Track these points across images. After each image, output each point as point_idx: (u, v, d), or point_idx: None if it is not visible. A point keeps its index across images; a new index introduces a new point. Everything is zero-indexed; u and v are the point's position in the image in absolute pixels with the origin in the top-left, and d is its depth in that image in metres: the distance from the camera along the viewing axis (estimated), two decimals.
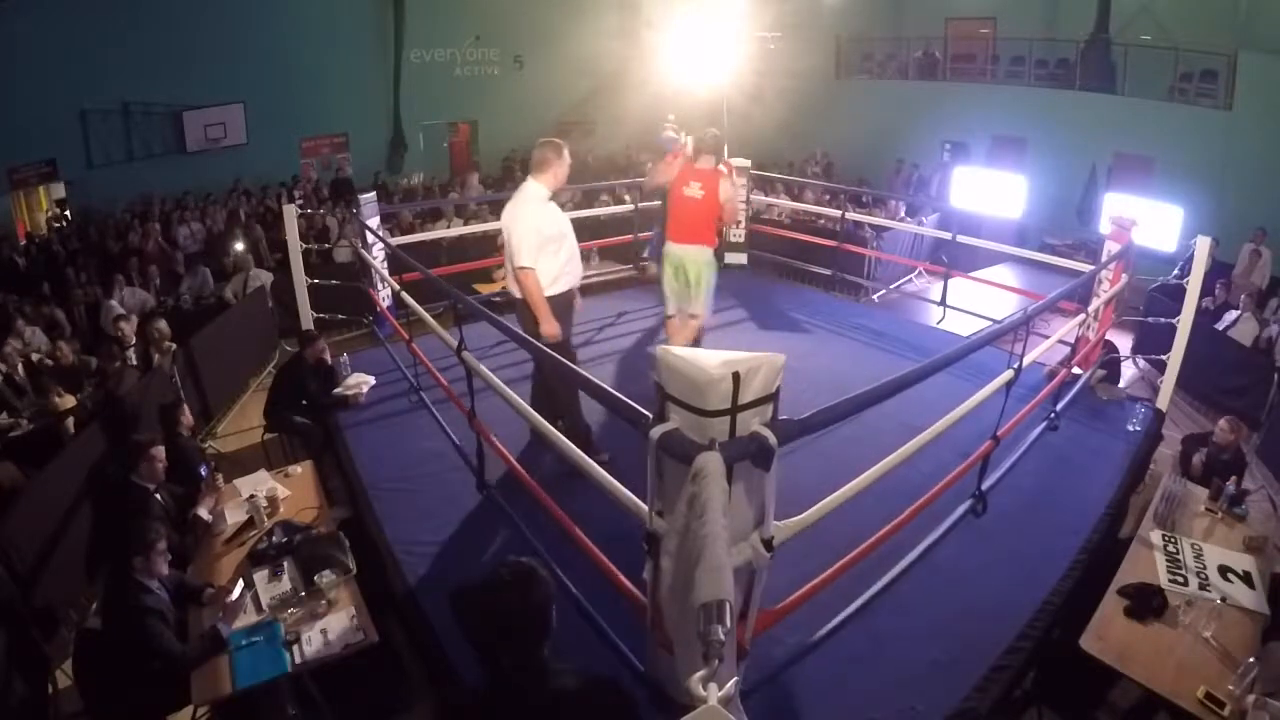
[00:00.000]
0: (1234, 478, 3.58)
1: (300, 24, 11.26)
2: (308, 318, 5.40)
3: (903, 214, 9.00)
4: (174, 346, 5.70)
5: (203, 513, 3.35)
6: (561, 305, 3.56)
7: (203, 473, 3.83)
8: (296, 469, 3.93)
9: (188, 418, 4.20)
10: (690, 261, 4.42)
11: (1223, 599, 2.79)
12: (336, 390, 4.58)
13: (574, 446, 2.52)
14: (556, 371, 3.11)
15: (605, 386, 2.15)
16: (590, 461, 2.39)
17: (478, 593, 1.47)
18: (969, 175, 10.44)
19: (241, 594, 2.90)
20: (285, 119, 11.47)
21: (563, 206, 8.83)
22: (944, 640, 2.67)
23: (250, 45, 10.81)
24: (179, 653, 2.62)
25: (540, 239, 3.44)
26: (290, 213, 5.40)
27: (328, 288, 5.83)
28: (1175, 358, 4.44)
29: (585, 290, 6.79)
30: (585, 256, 7.25)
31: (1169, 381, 4.49)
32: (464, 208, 9.27)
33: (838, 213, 7.24)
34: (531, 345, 2.84)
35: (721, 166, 4.59)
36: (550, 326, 3.48)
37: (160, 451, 3.46)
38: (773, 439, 1.71)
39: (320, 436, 4.45)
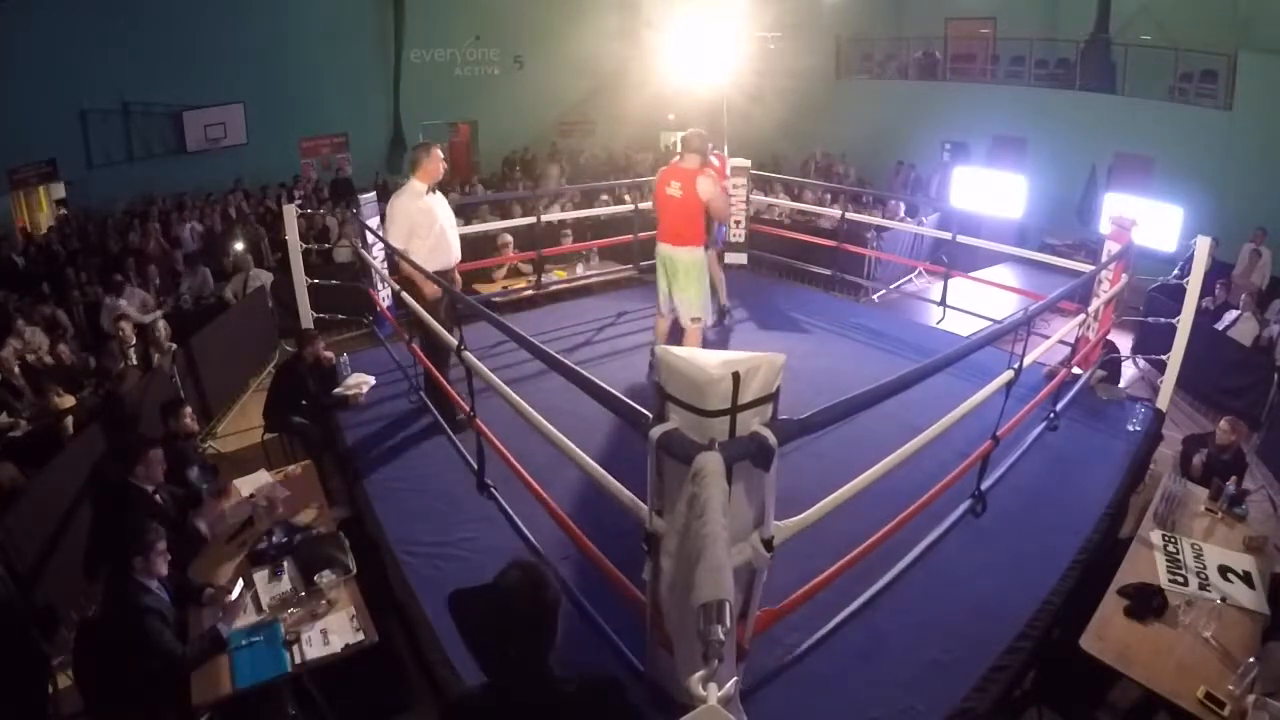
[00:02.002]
0: (1234, 478, 3.58)
1: (300, 24, 11.26)
2: (308, 317, 5.40)
3: (902, 214, 9.00)
4: (174, 346, 5.70)
5: (203, 526, 3.32)
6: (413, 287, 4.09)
7: (202, 481, 3.79)
8: (296, 469, 3.93)
9: (189, 421, 4.15)
10: (674, 262, 4.44)
11: (1223, 599, 2.79)
12: (336, 390, 4.57)
13: (569, 441, 2.52)
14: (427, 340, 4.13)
15: (605, 386, 2.15)
16: (591, 461, 2.39)
17: (485, 591, 1.46)
18: (969, 175, 10.43)
19: (241, 594, 2.90)
20: (285, 119, 11.47)
21: (562, 207, 8.88)
22: (944, 640, 2.67)
23: (250, 45, 10.81)
24: (179, 653, 2.61)
25: (410, 226, 4.12)
26: (290, 213, 5.40)
27: (328, 288, 5.83)
28: (1175, 358, 4.44)
29: (585, 290, 6.89)
30: (585, 257, 7.35)
31: (1169, 381, 4.49)
32: (464, 208, 9.27)
33: (837, 212, 7.24)
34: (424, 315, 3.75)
35: (713, 158, 4.81)
36: (429, 288, 4.01)
37: (158, 454, 3.44)
38: (773, 439, 1.71)
39: (320, 436, 4.45)
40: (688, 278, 4.43)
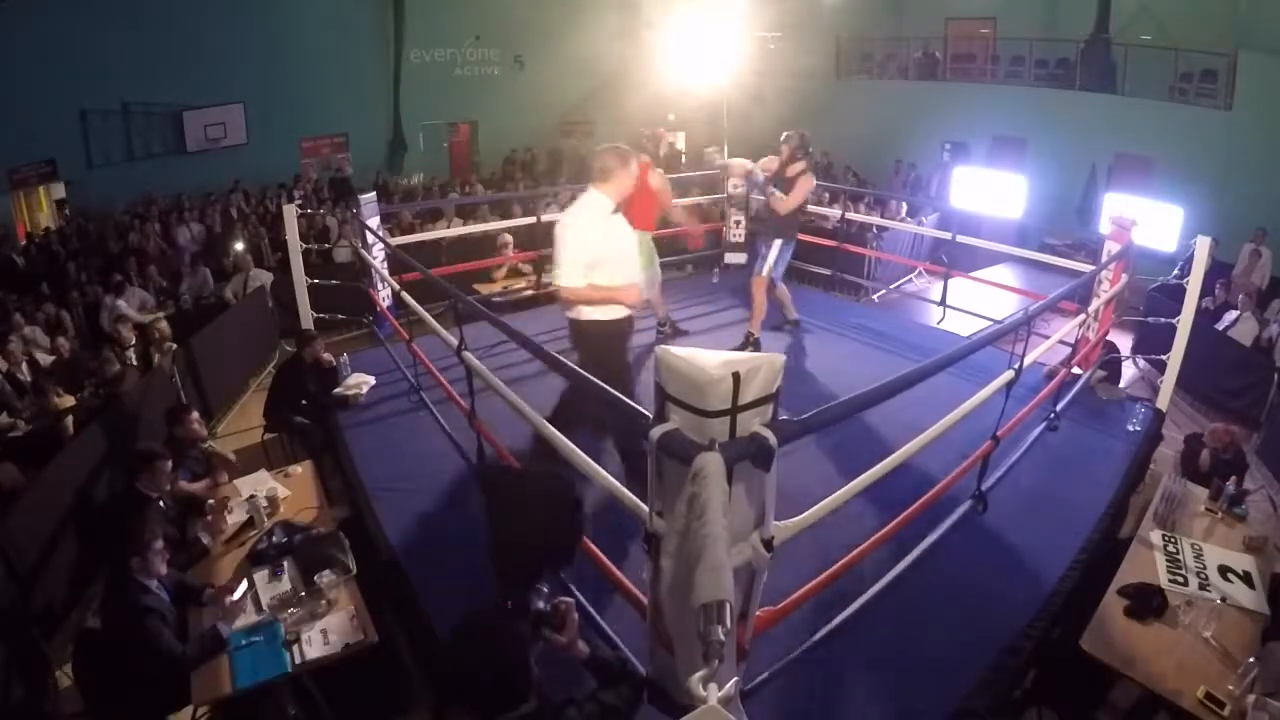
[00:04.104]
0: (1234, 478, 3.58)
1: (300, 24, 11.27)
2: (308, 318, 5.40)
3: (903, 214, 9.00)
4: (174, 346, 5.70)
5: (204, 538, 3.29)
6: (609, 334, 3.16)
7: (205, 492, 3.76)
8: (296, 469, 3.93)
9: (196, 426, 4.05)
10: None
11: (1223, 599, 2.79)
12: (336, 390, 4.57)
13: (569, 441, 2.51)
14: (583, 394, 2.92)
15: (605, 386, 2.15)
16: (591, 461, 2.39)
17: (449, 647, 1.46)
18: (969, 175, 10.43)
19: (243, 594, 2.90)
20: (285, 119, 11.47)
21: (562, 207, 8.88)
22: (944, 640, 2.67)
23: (250, 45, 10.82)
24: (179, 653, 2.61)
25: (589, 258, 3.03)
26: (290, 213, 5.40)
27: (328, 288, 5.83)
28: (1175, 358, 4.44)
29: None
30: None
31: (1169, 381, 4.49)
32: (463, 207, 9.29)
33: (837, 212, 7.23)
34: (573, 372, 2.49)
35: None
36: (630, 295, 3.11)
37: (166, 465, 3.42)
38: (773, 439, 1.71)
39: (320, 436, 4.45)
40: None
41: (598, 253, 3.04)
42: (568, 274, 3.04)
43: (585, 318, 3.12)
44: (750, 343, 5.30)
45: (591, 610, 2.72)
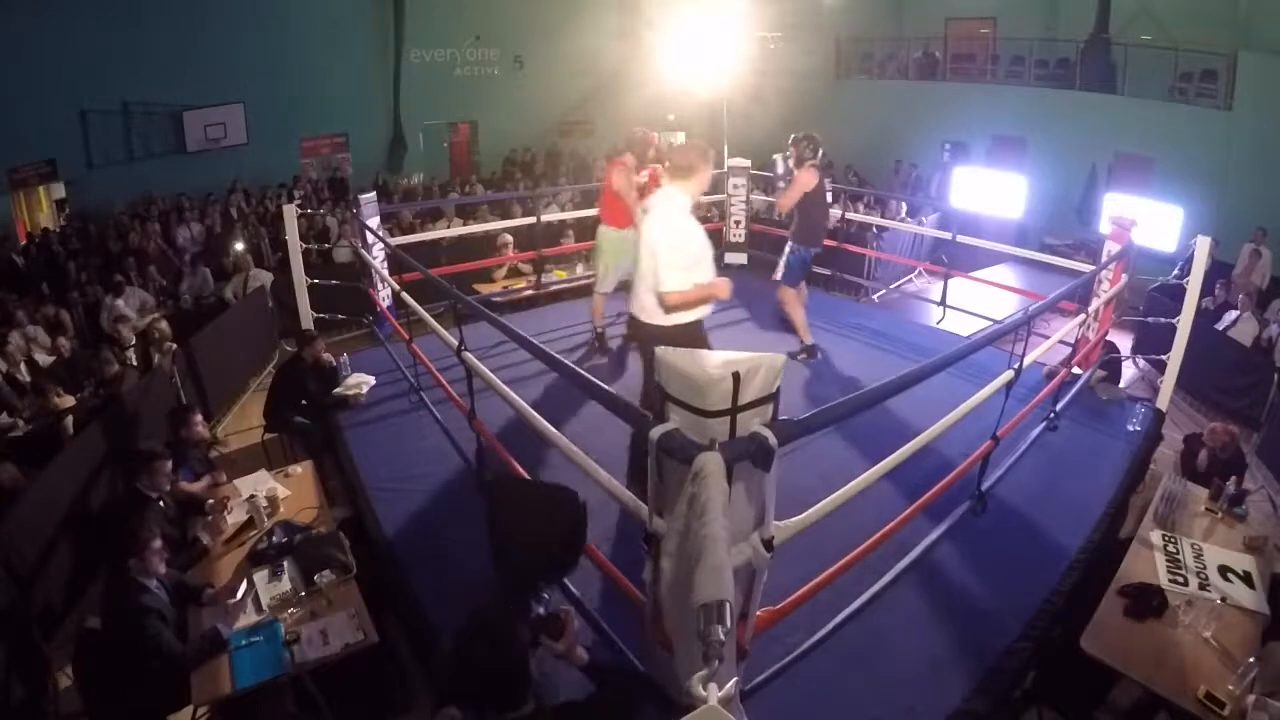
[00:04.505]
0: (1234, 478, 3.58)
1: (300, 24, 11.25)
2: (308, 318, 5.39)
3: (903, 214, 8.99)
4: (174, 347, 5.70)
5: (204, 538, 3.28)
6: (693, 335, 3.11)
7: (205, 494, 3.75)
8: (296, 469, 3.93)
9: (200, 428, 4.04)
10: (599, 238, 5.08)
11: (1223, 599, 2.79)
12: (336, 390, 4.57)
13: (569, 441, 2.51)
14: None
15: (605, 386, 2.15)
16: (591, 461, 2.39)
17: (453, 646, 1.46)
18: (969, 175, 10.44)
19: (243, 594, 2.91)
20: (285, 119, 11.45)
21: (562, 207, 8.88)
22: (944, 640, 2.68)
23: (250, 45, 10.81)
24: (179, 653, 2.62)
25: (688, 258, 2.97)
26: (290, 213, 5.40)
27: (328, 288, 5.83)
28: (1175, 358, 4.44)
29: (585, 290, 6.88)
30: (585, 257, 7.35)
31: (1169, 381, 4.49)
32: (463, 207, 9.30)
33: (838, 212, 7.23)
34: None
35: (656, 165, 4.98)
36: (724, 289, 3.09)
37: (166, 465, 3.42)
38: (773, 439, 1.71)
39: (320, 436, 4.45)
40: (598, 250, 5.07)
41: (692, 252, 2.98)
42: (675, 277, 2.93)
43: (671, 323, 3.03)
44: (805, 349, 5.16)
45: (592, 610, 2.72)
